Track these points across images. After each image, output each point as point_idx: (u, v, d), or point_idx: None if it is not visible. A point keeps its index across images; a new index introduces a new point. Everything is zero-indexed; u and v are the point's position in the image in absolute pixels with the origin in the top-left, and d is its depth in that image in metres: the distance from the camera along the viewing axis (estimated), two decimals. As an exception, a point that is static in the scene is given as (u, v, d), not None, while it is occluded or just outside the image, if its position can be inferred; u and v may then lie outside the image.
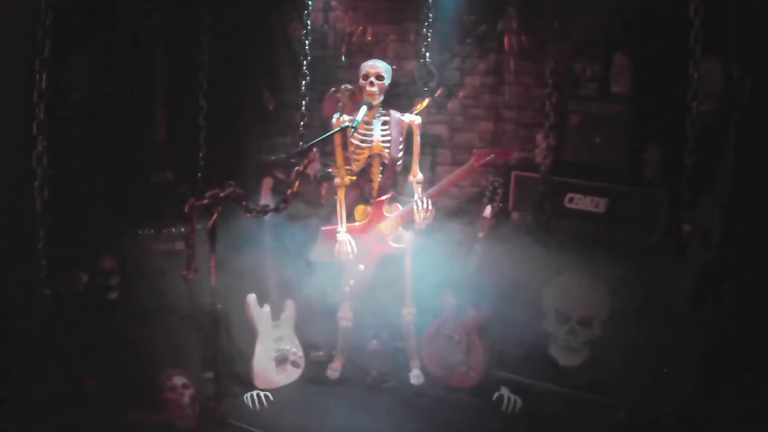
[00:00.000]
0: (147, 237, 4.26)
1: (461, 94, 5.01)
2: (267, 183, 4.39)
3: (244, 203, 3.74)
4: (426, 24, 4.49)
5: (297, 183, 3.86)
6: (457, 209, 4.84)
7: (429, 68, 4.59)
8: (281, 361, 4.34)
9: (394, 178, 4.45)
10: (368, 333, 4.62)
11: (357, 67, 4.42)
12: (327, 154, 4.65)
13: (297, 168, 3.87)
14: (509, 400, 4.14)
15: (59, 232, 4.01)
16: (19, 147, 3.80)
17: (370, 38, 5.13)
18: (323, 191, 4.79)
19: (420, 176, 4.37)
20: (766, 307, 3.13)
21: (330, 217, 4.52)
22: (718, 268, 3.25)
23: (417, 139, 4.37)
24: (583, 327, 4.06)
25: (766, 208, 3.23)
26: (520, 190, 4.36)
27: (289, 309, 4.41)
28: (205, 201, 3.46)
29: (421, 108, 4.61)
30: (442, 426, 4.04)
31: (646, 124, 4.14)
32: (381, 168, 4.36)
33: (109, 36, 4.34)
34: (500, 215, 4.37)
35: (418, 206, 4.25)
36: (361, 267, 4.35)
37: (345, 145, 4.34)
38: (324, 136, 4.03)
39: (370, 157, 4.34)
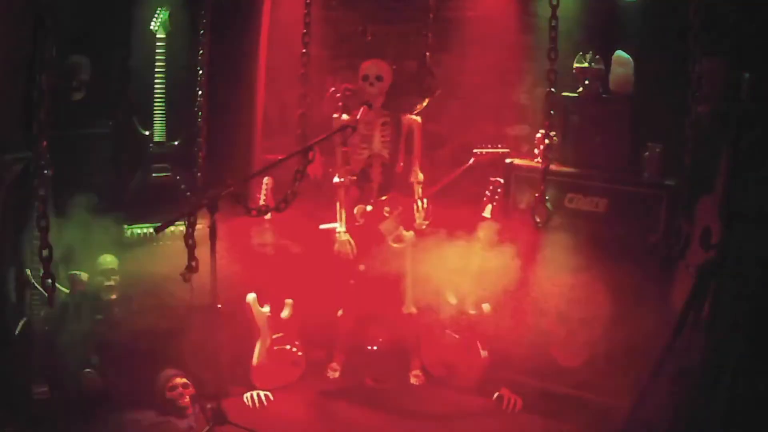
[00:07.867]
0: (146, 236, 4.26)
1: (461, 94, 5.01)
2: (267, 183, 4.39)
3: (244, 203, 3.74)
4: (426, 24, 4.49)
5: (297, 183, 3.86)
6: (457, 209, 4.82)
7: (429, 68, 4.58)
8: (281, 361, 4.34)
9: (394, 178, 4.45)
10: (368, 333, 4.62)
11: (357, 67, 4.43)
12: (327, 154, 4.64)
13: (297, 168, 3.88)
14: (509, 400, 4.14)
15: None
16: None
17: (370, 38, 5.12)
18: (323, 191, 4.79)
19: (420, 176, 4.37)
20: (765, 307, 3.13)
21: (330, 217, 4.51)
22: (717, 268, 3.25)
23: (417, 139, 4.37)
24: (583, 327, 4.06)
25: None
26: (520, 190, 4.36)
27: (289, 309, 4.41)
28: (205, 201, 3.46)
29: (421, 108, 4.60)
30: (442, 426, 4.04)
31: (646, 124, 4.14)
32: (381, 168, 4.36)
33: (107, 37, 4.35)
34: (500, 215, 4.37)
35: (417, 206, 4.25)
36: (361, 267, 4.35)
37: (345, 145, 4.34)
38: (324, 136, 4.03)
39: (370, 157, 4.34)
